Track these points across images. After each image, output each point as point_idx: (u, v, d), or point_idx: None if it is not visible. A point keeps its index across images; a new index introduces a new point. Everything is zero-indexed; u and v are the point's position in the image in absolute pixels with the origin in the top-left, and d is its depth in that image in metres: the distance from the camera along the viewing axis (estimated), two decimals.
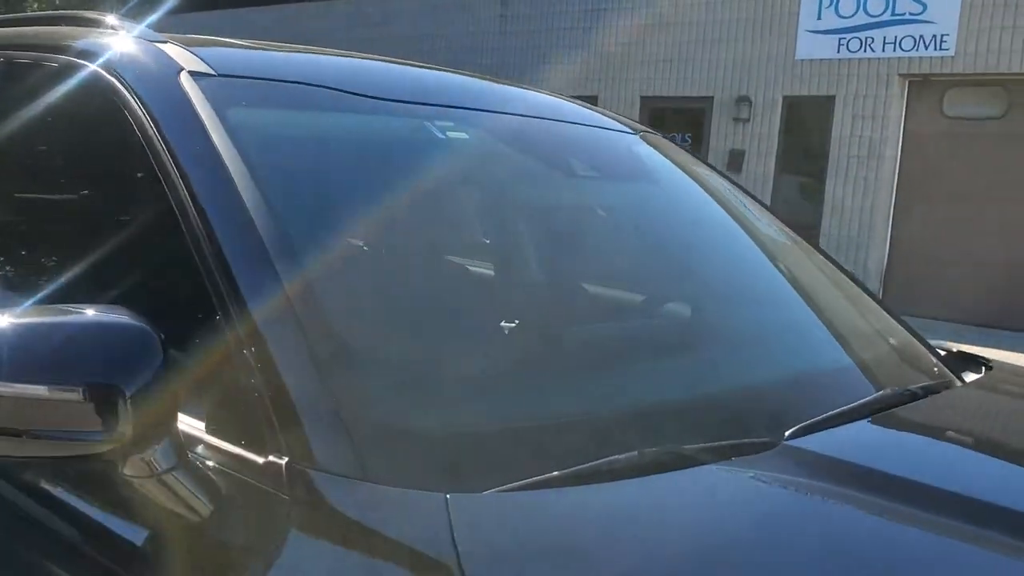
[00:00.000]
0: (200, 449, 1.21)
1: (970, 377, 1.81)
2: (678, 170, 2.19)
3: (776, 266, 2.06)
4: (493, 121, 1.89)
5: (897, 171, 10.48)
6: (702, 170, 2.25)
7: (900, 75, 10.25)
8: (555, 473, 1.14)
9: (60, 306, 1.23)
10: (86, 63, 1.66)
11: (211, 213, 1.33)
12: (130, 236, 1.54)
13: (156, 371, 1.14)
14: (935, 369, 1.81)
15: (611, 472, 1.17)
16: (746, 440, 1.30)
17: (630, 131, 2.27)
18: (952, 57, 9.87)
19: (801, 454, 1.27)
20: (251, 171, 1.40)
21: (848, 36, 10.49)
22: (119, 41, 1.73)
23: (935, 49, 9.96)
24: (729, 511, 1.13)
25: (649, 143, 2.26)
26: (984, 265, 9.69)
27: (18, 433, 1.12)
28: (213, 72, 1.61)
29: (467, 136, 1.84)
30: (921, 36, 10.03)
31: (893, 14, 10.19)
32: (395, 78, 2.00)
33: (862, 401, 1.51)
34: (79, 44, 1.75)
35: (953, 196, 10.01)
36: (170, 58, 1.63)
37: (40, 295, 1.54)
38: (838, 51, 10.58)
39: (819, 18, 10.69)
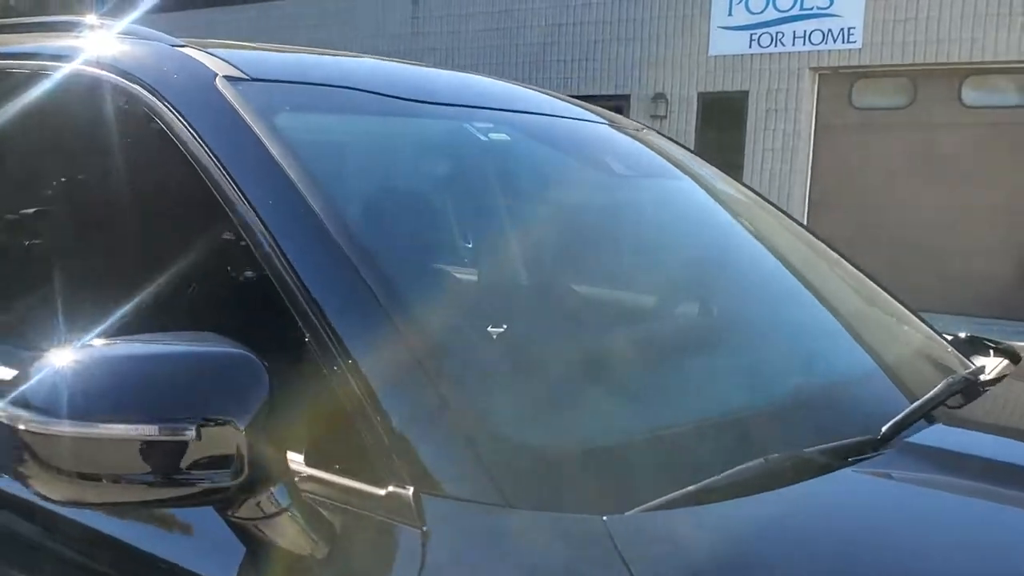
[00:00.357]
0: (307, 484, 1.11)
1: (995, 362, 1.82)
2: (693, 165, 2.17)
3: (801, 267, 2.04)
4: (526, 122, 1.82)
5: (811, 162, 10.78)
6: (703, 167, 2.23)
7: (811, 68, 10.54)
8: (691, 488, 1.08)
9: (151, 336, 1.11)
10: (102, 72, 1.53)
11: (287, 230, 1.24)
12: (192, 258, 1.42)
13: (265, 403, 1.04)
14: (975, 360, 1.82)
15: (745, 482, 1.12)
16: (852, 440, 1.27)
17: (636, 127, 2.24)
18: (859, 50, 10.19)
19: (922, 451, 1.24)
20: (316, 182, 1.30)
21: (759, 32, 10.73)
22: (134, 46, 1.60)
23: (843, 42, 10.28)
24: (897, 515, 1.10)
25: (655, 139, 2.23)
26: (897, 248, 10.04)
27: (117, 478, 1.00)
28: (247, 76, 1.50)
29: (508, 138, 1.77)
30: (829, 30, 10.33)
31: (802, 9, 10.47)
32: (417, 80, 1.91)
33: (934, 393, 1.49)
34: (89, 51, 1.61)
35: (864, 184, 10.35)
36: (199, 63, 1.51)
37: (108, 325, 1.40)
38: (750, 46, 10.81)
39: (730, 14, 10.91)
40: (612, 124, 2.10)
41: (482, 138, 1.70)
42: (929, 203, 9.99)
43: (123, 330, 1.36)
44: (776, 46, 10.64)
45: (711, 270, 1.80)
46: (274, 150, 1.33)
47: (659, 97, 11.35)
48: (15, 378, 1.07)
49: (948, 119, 9.99)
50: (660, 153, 2.09)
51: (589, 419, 1.25)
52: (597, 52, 11.81)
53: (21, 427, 1.00)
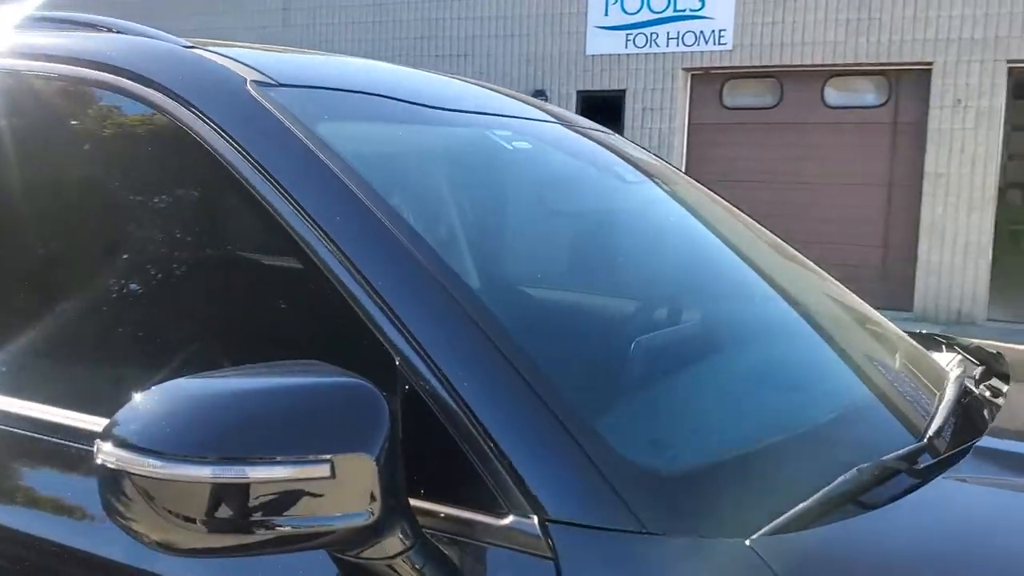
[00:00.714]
0: (421, 519, 1.05)
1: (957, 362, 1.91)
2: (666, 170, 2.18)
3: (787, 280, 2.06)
4: (541, 130, 1.79)
5: (684, 160, 11.11)
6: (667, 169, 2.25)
7: (684, 69, 10.85)
8: (810, 503, 1.08)
9: (257, 368, 1.03)
10: (116, 77, 1.41)
11: (366, 251, 1.17)
12: (256, 281, 1.32)
13: (388, 435, 0.98)
14: (961, 361, 1.89)
15: (848, 493, 1.13)
16: (916, 446, 1.30)
17: (606, 131, 2.24)
18: (730, 51, 10.57)
19: (994, 454, 1.29)
20: (380, 195, 1.24)
21: (635, 32, 10.97)
22: (147, 49, 1.48)
23: (714, 44, 10.64)
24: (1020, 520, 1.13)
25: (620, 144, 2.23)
26: None
27: (247, 525, 0.92)
28: (275, 82, 1.41)
29: (530, 146, 1.73)
30: (701, 31, 10.67)
31: (675, 10, 10.77)
32: (427, 85, 1.84)
33: (954, 397, 1.53)
34: (97, 52, 1.48)
35: (735, 181, 10.75)
36: (224, 67, 1.41)
37: (189, 357, 1.29)
38: (626, 46, 11.04)
39: (606, 14, 11.11)
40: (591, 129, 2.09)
41: (508, 147, 1.66)
42: (795, 199, 10.48)
43: (200, 361, 1.26)
44: (651, 46, 10.91)
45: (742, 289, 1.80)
46: (329, 161, 1.26)
47: (539, 95, 11.44)
48: (118, 417, 0.96)
49: (812, 118, 10.50)
50: (641, 160, 2.09)
51: (709, 437, 1.23)
52: (476, 48, 11.80)
53: (139, 472, 0.91)
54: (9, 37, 1.64)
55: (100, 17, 1.66)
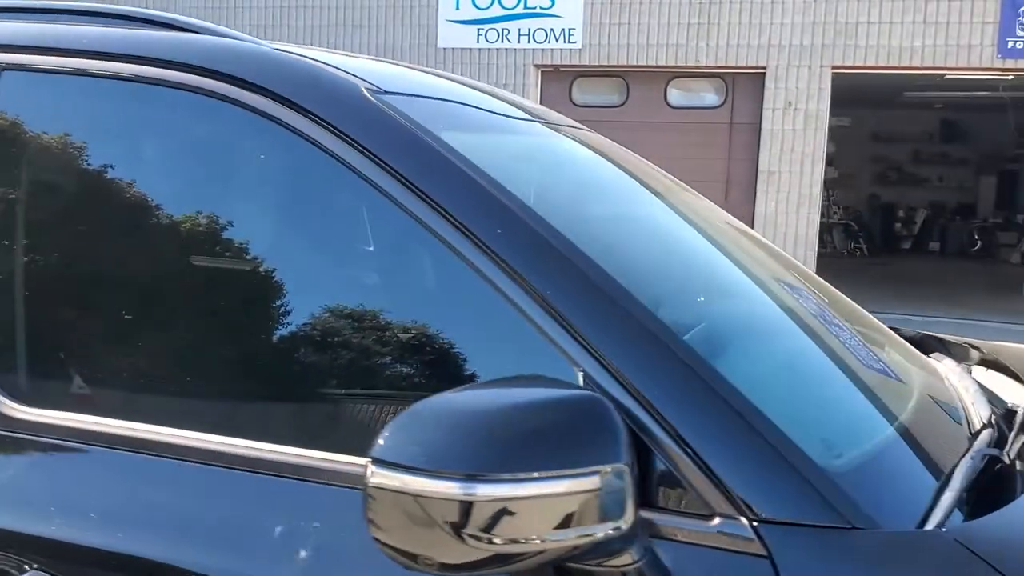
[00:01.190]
0: None
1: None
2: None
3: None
4: (574, 133, 1.83)
5: None
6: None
7: (535, 65, 11.05)
8: (953, 493, 1.17)
9: (493, 384, 1.06)
10: (217, 81, 1.36)
11: (534, 265, 1.18)
12: (407, 292, 1.31)
13: (630, 444, 1.00)
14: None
15: (987, 477, 1.24)
16: (992, 449, 1.42)
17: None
18: (579, 50, 10.86)
19: None
20: (527, 205, 1.24)
21: (486, 27, 11.07)
22: (243, 51, 1.41)
23: (564, 42, 10.89)
24: None
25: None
26: None
27: (516, 540, 0.93)
28: (381, 89, 1.39)
29: (587, 150, 1.77)
30: (552, 29, 10.90)
31: (525, 7, 10.94)
32: (467, 89, 1.83)
33: (988, 398, 1.67)
34: (192, 55, 1.40)
35: None
36: (334, 73, 1.37)
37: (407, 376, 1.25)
38: (478, 41, 11.12)
39: (457, 8, 11.14)
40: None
41: (581, 153, 1.69)
42: None
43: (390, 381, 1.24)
44: (502, 42, 11.04)
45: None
46: (468, 168, 1.25)
47: None
48: (383, 439, 0.97)
49: (657, 118, 10.95)
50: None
51: (861, 433, 1.30)
52: (321, 38, 11.54)
53: (408, 491, 0.93)
54: (85, 34, 1.52)
55: (171, 15, 1.56)
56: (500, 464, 0.94)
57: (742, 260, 1.76)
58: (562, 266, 1.17)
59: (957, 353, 2.11)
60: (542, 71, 11.20)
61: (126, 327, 1.45)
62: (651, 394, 1.10)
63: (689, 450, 1.07)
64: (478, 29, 11.09)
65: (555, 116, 2.09)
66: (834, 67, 10.26)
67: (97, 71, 1.48)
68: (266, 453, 1.26)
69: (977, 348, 2.10)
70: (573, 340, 1.13)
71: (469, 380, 1.25)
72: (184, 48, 1.45)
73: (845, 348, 1.60)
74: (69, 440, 1.37)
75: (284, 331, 1.37)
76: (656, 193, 1.89)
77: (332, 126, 1.28)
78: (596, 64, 10.86)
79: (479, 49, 11.11)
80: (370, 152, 1.27)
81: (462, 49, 11.16)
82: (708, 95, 10.92)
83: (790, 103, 10.38)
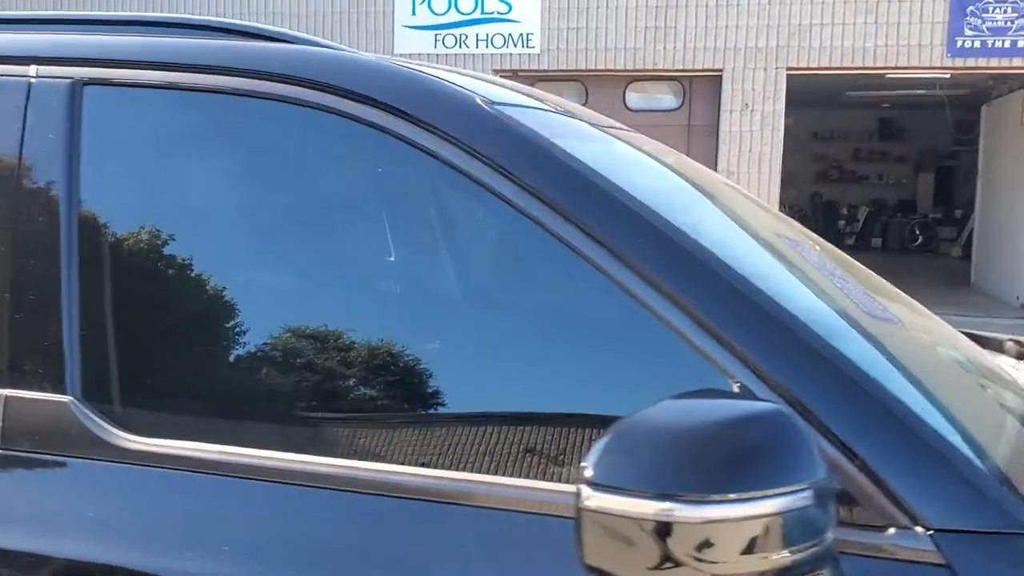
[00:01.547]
0: None
1: None
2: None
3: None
4: (619, 135, 1.82)
5: None
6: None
7: (494, 70, 11.01)
8: None
9: (679, 399, 1.02)
10: (326, 94, 1.32)
11: (683, 280, 1.17)
12: (546, 308, 1.27)
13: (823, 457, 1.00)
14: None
15: None
16: None
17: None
18: (538, 55, 10.87)
19: None
20: (663, 215, 1.23)
21: (443, 32, 11.01)
22: (344, 62, 1.37)
23: (523, 47, 10.89)
24: None
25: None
26: None
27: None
28: (491, 100, 1.36)
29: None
30: (510, 34, 10.89)
31: (483, 12, 10.91)
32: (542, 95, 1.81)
33: None
34: (283, 65, 1.35)
35: None
36: (446, 83, 1.34)
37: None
38: (435, 47, 11.05)
39: (414, 14, 11.07)
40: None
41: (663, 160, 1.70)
42: None
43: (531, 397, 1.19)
44: (460, 47, 10.99)
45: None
46: (598, 180, 1.23)
47: None
48: (593, 460, 0.94)
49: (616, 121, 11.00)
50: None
51: (983, 434, 1.29)
52: None
53: (640, 515, 0.93)
54: (179, 47, 1.45)
55: (256, 24, 1.51)
56: (717, 484, 0.94)
57: (835, 269, 1.76)
58: (708, 276, 1.16)
59: (994, 346, 2.15)
60: (501, 76, 11.16)
61: (244, 350, 1.39)
62: (816, 406, 1.09)
63: (858, 461, 1.07)
64: (435, 35, 11.03)
65: (610, 121, 2.07)
66: (789, 68, 10.43)
67: (193, 84, 1.42)
68: (407, 477, 1.21)
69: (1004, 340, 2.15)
70: (727, 352, 1.12)
71: (624, 397, 1.22)
72: (292, 60, 1.40)
73: (953, 352, 1.61)
74: (192, 470, 1.30)
75: (421, 350, 1.32)
76: (736, 200, 1.89)
77: (454, 138, 1.25)
78: (555, 69, 10.88)
79: (437, 55, 11.05)
80: (497, 164, 1.24)
81: (420, 55, 11.08)
82: (666, 98, 11.01)
83: (747, 105, 10.53)
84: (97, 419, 1.33)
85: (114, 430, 1.33)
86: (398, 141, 1.29)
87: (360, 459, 1.24)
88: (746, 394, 1.09)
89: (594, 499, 0.94)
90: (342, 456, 1.26)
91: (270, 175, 1.45)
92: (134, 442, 1.31)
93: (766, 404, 1.02)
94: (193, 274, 1.44)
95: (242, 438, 1.32)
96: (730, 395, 1.08)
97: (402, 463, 1.24)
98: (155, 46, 1.48)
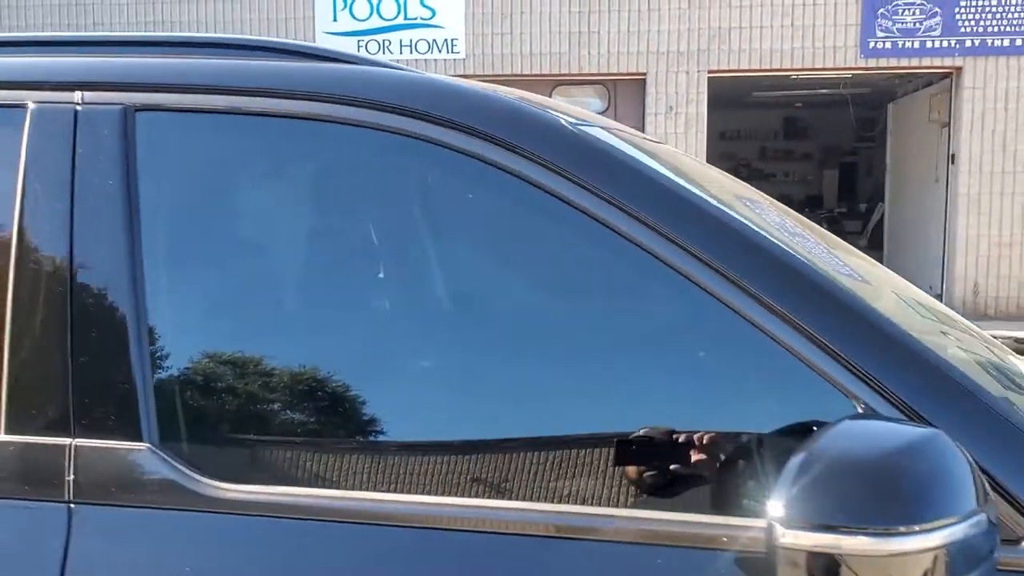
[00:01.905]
0: None
1: None
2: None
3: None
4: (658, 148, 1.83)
5: None
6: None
7: None
8: None
9: (843, 425, 1.02)
10: (396, 116, 1.28)
11: (781, 292, 1.17)
12: (655, 330, 1.24)
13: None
14: None
15: None
16: None
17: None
18: (463, 59, 10.83)
19: None
20: (764, 233, 1.23)
21: (366, 38, 10.87)
22: (417, 83, 1.33)
23: (448, 52, 10.83)
24: None
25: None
26: None
27: None
28: (572, 120, 1.34)
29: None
30: (434, 40, 10.82)
31: (406, 18, 10.81)
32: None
33: None
34: (370, 88, 1.30)
35: None
36: (526, 107, 1.32)
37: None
38: (358, 52, 10.88)
39: (335, 20, 10.90)
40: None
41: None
42: None
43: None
44: (384, 53, 10.87)
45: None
46: (696, 200, 1.23)
47: None
48: (784, 499, 0.93)
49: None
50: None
51: None
52: None
53: (847, 551, 0.94)
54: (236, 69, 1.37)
55: (319, 46, 1.44)
56: (905, 515, 0.95)
57: (879, 273, 1.79)
58: (817, 295, 1.16)
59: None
60: None
61: (330, 387, 1.32)
62: (942, 423, 1.09)
63: (987, 476, 1.08)
64: (358, 41, 10.88)
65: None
66: (711, 71, 10.64)
67: (259, 110, 1.35)
68: (529, 514, 1.17)
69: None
70: (847, 371, 1.12)
71: (745, 421, 1.21)
72: (367, 82, 1.35)
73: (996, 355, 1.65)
74: (286, 516, 1.24)
75: (530, 377, 1.28)
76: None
77: (543, 159, 1.23)
78: (480, 74, 10.85)
79: None
80: (592, 186, 1.23)
81: None
82: (592, 101, 11.10)
83: (671, 108, 10.70)
84: (178, 465, 1.26)
85: (198, 476, 1.25)
86: (484, 164, 1.26)
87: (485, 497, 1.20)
88: (902, 418, 1.09)
89: (789, 536, 0.93)
90: (455, 495, 1.21)
91: (348, 204, 1.39)
92: (222, 489, 1.24)
93: (928, 429, 1.03)
94: (270, 308, 1.37)
95: (335, 479, 1.26)
96: (885, 418, 1.08)
97: (525, 499, 1.20)
98: (216, 69, 1.40)
